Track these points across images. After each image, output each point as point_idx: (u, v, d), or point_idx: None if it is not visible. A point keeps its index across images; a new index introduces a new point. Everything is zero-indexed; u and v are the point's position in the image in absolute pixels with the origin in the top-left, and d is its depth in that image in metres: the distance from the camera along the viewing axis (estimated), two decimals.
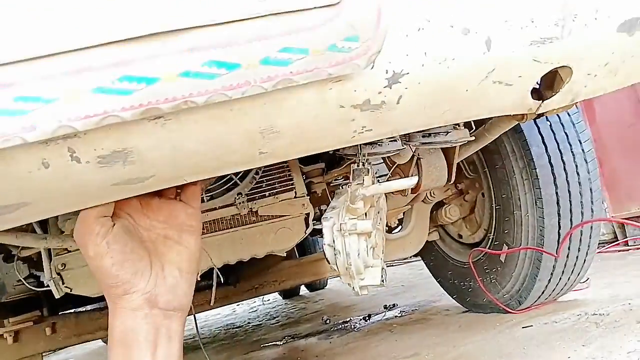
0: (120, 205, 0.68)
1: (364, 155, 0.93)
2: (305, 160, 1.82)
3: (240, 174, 1.59)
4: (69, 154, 0.54)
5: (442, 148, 1.39)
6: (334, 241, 0.83)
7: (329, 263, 0.86)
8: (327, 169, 1.82)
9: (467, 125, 1.06)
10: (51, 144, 0.53)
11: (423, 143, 1.01)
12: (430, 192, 2.08)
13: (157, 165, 0.61)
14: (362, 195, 0.79)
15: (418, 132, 1.03)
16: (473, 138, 1.06)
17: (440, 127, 1.03)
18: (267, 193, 1.63)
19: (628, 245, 3.19)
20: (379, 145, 0.95)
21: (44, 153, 0.53)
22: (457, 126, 1.02)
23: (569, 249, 1.73)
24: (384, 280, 0.87)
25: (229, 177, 1.58)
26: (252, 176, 1.60)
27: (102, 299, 2.18)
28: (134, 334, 0.62)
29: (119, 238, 0.64)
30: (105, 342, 5.24)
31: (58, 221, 1.34)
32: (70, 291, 1.46)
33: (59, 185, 0.58)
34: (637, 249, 3.05)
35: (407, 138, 1.02)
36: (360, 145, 0.95)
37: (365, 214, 0.84)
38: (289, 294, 5.60)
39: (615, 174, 3.29)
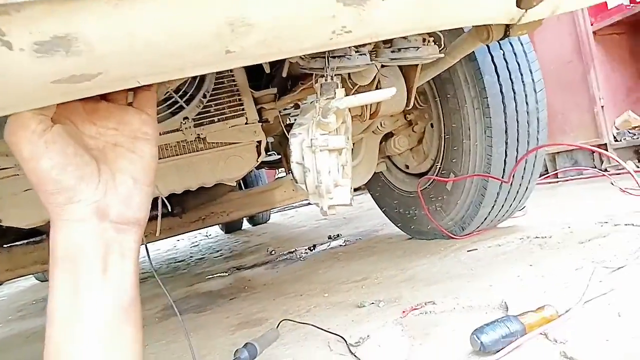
0: (61, 111, 0.58)
1: (332, 69, 0.86)
2: (256, 85, 1.72)
3: (186, 97, 1.48)
4: None
5: (402, 71, 1.35)
6: (303, 158, 0.77)
7: (297, 182, 0.81)
8: (279, 95, 1.73)
9: (435, 42, 1.01)
10: None
11: (392, 59, 0.95)
12: (380, 123, 2.05)
13: (107, 58, 0.52)
14: (336, 108, 0.73)
15: (387, 47, 0.97)
16: (442, 55, 1.02)
17: (409, 42, 0.97)
18: (215, 118, 1.54)
19: (557, 178, 3.38)
20: (347, 58, 0.89)
21: None
22: (427, 42, 0.97)
23: (513, 176, 1.79)
24: (352, 200, 0.83)
25: (173, 99, 1.46)
26: (199, 99, 1.49)
27: (34, 232, 2.04)
28: (81, 249, 0.53)
29: (59, 138, 0.53)
30: (40, 279, 5.07)
31: None
32: (0, 222, 1.33)
33: None
34: (566, 180, 3.24)
35: (375, 54, 0.96)
36: (328, 58, 0.88)
37: (336, 130, 0.79)
38: (232, 228, 5.58)
39: (550, 109, 3.41)
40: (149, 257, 0.88)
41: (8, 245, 1.89)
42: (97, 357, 0.51)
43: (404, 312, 1.25)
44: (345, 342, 1.12)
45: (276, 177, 6.40)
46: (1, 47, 0.45)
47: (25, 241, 2.04)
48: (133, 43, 0.52)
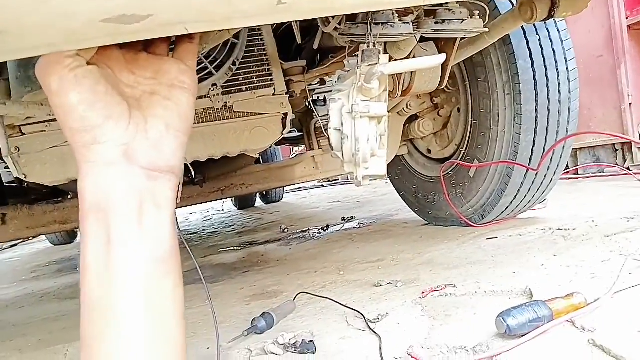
0: (101, 57, 0.55)
1: (374, 36, 0.84)
2: (285, 57, 1.70)
3: (216, 63, 1.46)
4: None
5: (438, 48, 1.31)
6: (342, 124, 0.75)
7: (333, 149, 0.79)
8: (308, 68, 1.71)
9: (480, 16, 0.98)
10: None
11: (435, 30, 0.93)
12: (407, 104, 2.02)
13: (159, 0, 0.50)
14: (380, 73, 0.71)
15: (430, 18, 0.94)
16: (487, 30, 0.99)
17: (454, 14, 0.94)
18: (244, 87, 1.52)
19: (578, 174, 3.33)
20: (390, 26, 0.86)
21: None
22: (472, 15, 0.94)
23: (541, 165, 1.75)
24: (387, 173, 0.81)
25: (203, 65, 1.45)
26: (228, 66, 1.47)
27: (54, 193, 2.05)
28: (111, 197, 0.49)
29: (90, 75, 0.50)
30: (54, 242, 5.14)
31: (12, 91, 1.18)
32: (25, 178, 1.33)
33: (31, 13, 0.46)
34: (587, 177, 3.19)
35: (417, 24, 0.93)
36: (370, 24, 0.85)
37: (377, 98, 0.76)
38: (244, 204, 5.60)
39: None
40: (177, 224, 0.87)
41: (29, 204, 1.91)
42: (138, 312, 0.49)
43: (423, 292, 1.23)
44: (364, 317, 1.11)
45: (291, 154, 6.40)
46: None
47: (45, 201, 2.05)
48: None
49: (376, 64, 0.77)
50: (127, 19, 0.51)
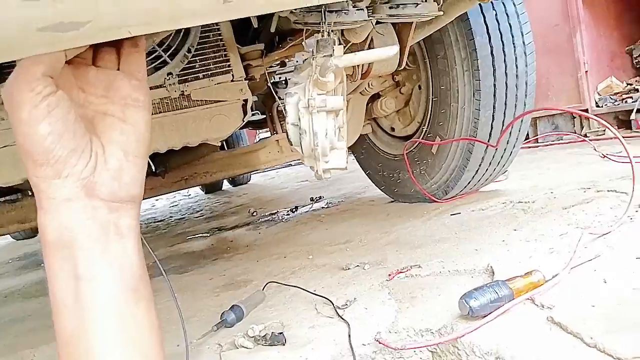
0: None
1: (329, 24, 0.82)
2: (242, 41, 1.66)
3: (170, 51, 1.41)
4: None
5: (396, 30, 1.30)
6: (299, 119, 0.74)
7: (292, 144, 0.78)
8: (266, 52, 1.67)
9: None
10: None
11: (390, 15, 0.91)
12: (368, 84, 2.02)
13: (98, 5, 0.47)
14: (335, 67, 0.69)
15: (385, 2, 0.93)
16: (442, 13, 0.98)
17: None
18: (200, 75, 1.48)
19: (537, 142, 3.42)
20: (344, 13, 0.84)
21: None
22: None
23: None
24: (347, 164, 0.81)
25: (157, 53, 1.40)
26: (183, 54, 1.43)
27: (10, 190, 1.97)
28: (72, 232, 0.49)
29: (62, 102, 0.48)
30: (17, 238, 4.97)
31: None
32: None
33: None
34: (547, 145, 3.28)
35: (372, 9, 0.92)
36: (324, 12, 0.83)
37: (334, 90, 0.75)
38: (212, 188, 5.54)
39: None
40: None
41: None
42: (113, 343, 0.49)
43: (390, 275, 1.25)
44: (332, 304, 1.13)
45: (257, 137, 6.33)
46: None
47: (1, 199, 1.97)
48: None
49: (331, 55, 0.75)
50: (65, 26, 0.48)
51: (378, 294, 1.15)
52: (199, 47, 1.47)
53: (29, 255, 3.91)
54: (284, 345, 0.97)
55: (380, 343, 0.90)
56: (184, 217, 4.02)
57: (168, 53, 1.42)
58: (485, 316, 0.88)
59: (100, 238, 0.50)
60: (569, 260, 0.99)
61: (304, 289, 1.25)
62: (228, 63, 1.51)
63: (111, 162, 0.53)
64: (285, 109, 0.76)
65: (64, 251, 0.49)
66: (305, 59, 0.87)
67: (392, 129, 2.26)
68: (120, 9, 0.49)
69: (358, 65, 1.28)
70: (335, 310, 1.09)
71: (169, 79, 1.43)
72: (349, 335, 0.95)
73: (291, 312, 1.15)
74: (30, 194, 1.98)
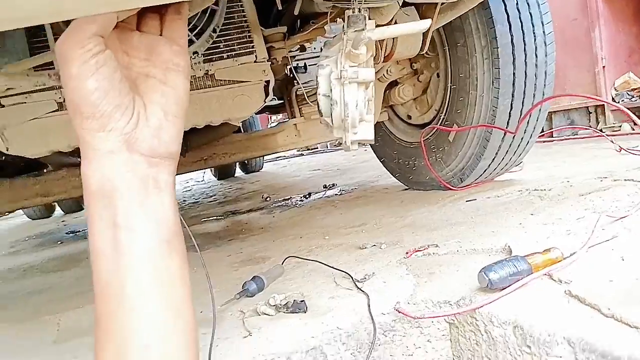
0: None
1: (359, 2, 0.84)
2: (265, 23, 1.68)
3: (196, 30, 1.44)
4: None
5: (419, 13, 1.32)
6: (331, 90, 0.77)
7: (322, 115, 0.81)
8: (288, 35, 1.70)
9: None
10: None
11: None
12: (387, 70, 2.03)
13: None
14: (368, 39, 0.72)
15: None
16: None
17: None
18: (225, 55, 1.51)
19: (553, 137, 3.41)
20: None
21: None
22: None
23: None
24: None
25: None
26: (209, 34, 1.46)
27: (35, 163, 2.02)
28: (114, 182, 0.52)
29: (110, 61, 0.51)
30: (31, 217, 5.06)
31: None
32: (7, 151, 1.31)
33: None
34: (562, 139, 3.27)
35: None
36: None
37: (365, 63, 0.78)
38: (224, 174, 5.59)
39: None
40: None
41: (9, 177, 1.88)
42: (147, 290, 0.52)
43: (407, 253, 1.28)
44: (351, 277, 1.16)
45: (269, 122, 6.35)
46: None
47: (26, 174, 2.02)
48: None
49: (363, 29, 0.78)
50: None
51: (396, 269, 1.18)
52: (223, 27, 1.50)
53: (45, 234, 3.99)
54: (305, 313, 1.01)
55: (399, 312, 0.93)
56: (197, 201, 4.07)
57: (194, 32, 1.45)
58: (503, 289, 0.90)
59: (140, 190, 0.53)
60: (586, 240, 1.01)
61: (323, 263, 1.28)
62: (252, 44, 1.53)
63: (152, 121, 0.56)
64: (317, 81, 0.79)
65: (104, 200, 0.52)
66: (334, 36, 0.89)
67: (409, 117, 2.28)
68: None
69: (382, 47, 1.30)
70: (354, 283, 1.12)
71: (194, 58, 1.46)
72: (369, 305, 0.98)
73: (310, 285, 1.18)
74: (51, 169, 2.03)
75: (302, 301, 1.03)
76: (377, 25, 1.18)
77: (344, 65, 0.75)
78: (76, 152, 1.52)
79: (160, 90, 0.59)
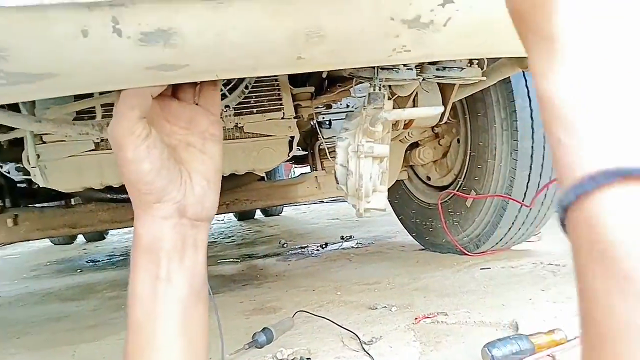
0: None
1: (380, 80, 0.91)
2: (293, 82, 1.78)
3: (230, 86, 1.53)
4: (112, 24, 0.50)
5: (440, 87, 1.39)
6: (347, 162, 0.82)
7: (338, 182, 0.86)
8: (315, 94, 1.79)
9: (479, 65, 1.06)
10: (96, 9, 0.48)
11: (436, 76, 1.00)
12: (408, 132, 2.10)
13: (195, 53, 0.58)
14: (384, 119, 0.78)
15: (432, 64, 1.02)
16: (485, 78, 1.06)
17: (454, 62, 1.02)
18: (255, 110, 1.59)
19: None
20: (395, 71, 0.93)
21: (87, 19, 0.48)
22: (471, 64, 1.02)
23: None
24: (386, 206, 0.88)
25: None
26: (241, 90, 1.55)
27: (62, 194, 2.12)
28: (162, 242, 0.60)
29: (157, 143, 0.59)
30: (54, 242, 5.18)
31: (35, 108, 1.26)
32: (44, 184, 1.40)
33: (91, 59, 0.53)
34: None
35: (420, 69, 1.01)
36: (377, 69, 0.92)
37: (381, 139, 0.83)
38: (245, 216, 5.66)
39: None
40: None
41: (40, 205, 1.98)
42: (175, 336, 0.58)
43: (416, 318, 1.29)
44: (359, 339, 1.17)
45: (292, 170, 6.45)
46: (112, 34, 0.50)
47: (56, 203, 2.11)
48: (220, 42, 0.57)
49: (381, 108, 0.84)
50: (167, 67, 0.59)
51: (403, 334, 1.20)
52: (255, 84, 1.59)
53: (66, 260, 4.07)
54: None
55: None
56: (215, 241, 4.13)
57: (228, 87, 1.54)
58: None
59: (182, 249, 0.61)
60: None
61: (332, 321, 1.30)
62: (280, 102, 1.62)
63: (197, 189, 0.64)
64: (336, 151, 0.84)
65: (151, 256, 0.59)
66: (357, 107, 0.96)
67: (428, 178, 2.32)
68: (212, 58, 0.59)
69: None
70: (361, 345, 1.13)
71: (226, 111, 1.55)
72: None
73: (318, 342, 1.20)
74: (80, 201, 2.12)
75: (308, 358, 1.05)
76: (398, 97, 1.25)
77: (361, 140, 0.81)
78: (105, 188, 1.60)
79: (200, 159, 0.66)
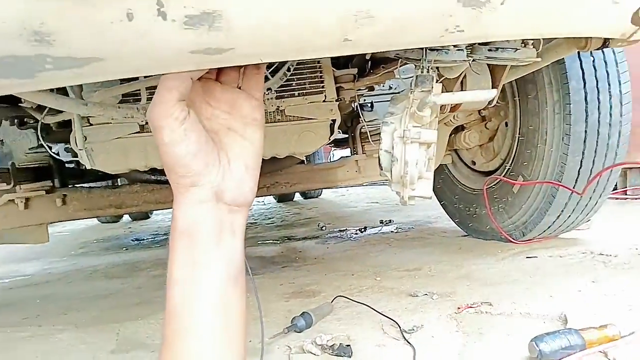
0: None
1: (428, 61, 0.87)
2: (336, 64, 1.75)
3: (272, 69, 1.52)
4: (157, 7, 0.49)
5: (490, 68, 1.33)
6: (392, 147, 0.80)
7: (382, 169, 0.84)
8: (358, 76, 1.75)
9: (533, 45, 1.00)
10: None
11: (488, 57, 0.95)
12: (454, 115, 2.03)
13: (240, 37, 0.56)
14: (433, 103, 0.74)
15: (484, 44, 0.97)
16: (539, 59, 1.00)
17: (507, 42, 0.97)
18: (296, 92, 1.58)
19: (626, 195, 3.23)
20: (444, 52, 0.89)
21: (132, 2, 0.47)
22: (526, 44, 0.96)
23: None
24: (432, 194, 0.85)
25: None
26: (283, 72, 1.53)
27: (108, 175, 2.18)
28: (199, 225, 0.60)
29: (195, 126, 0.58)
30: (102, 221, 5.39)
31: (82, 91, 1.28)
32: (91, 166, 1.44)
33: (136, 43, 0.53)
34: (635, 198, 3.10)
35: (471, 50, 0.96)
36: (425, 50, 0.88)
37: (428, 124, 0.80)
38: (284, 198, 5.71)
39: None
40: None
41: (87, 185, 2.05)
42: (213, 319, 0.58)
43: (459, 308, 1.26)
44: (399, 327, 1.16)
45: (331, 153, 6.43)
46: (157, 17, 0.49)
47: (103, 183, 2.17)
48: (265, 24, 0.55)
49: (429, 91, 0.80)
50: (212, 51, 0.58)
51: (446, 324, 1.17)
52: (297, 67, 1.57)
53: (112, 238, 4.23)
54: (349, 357, 1.02)
55: None
56: (256, 222, 4.18)
57: (270, 70, 1.53)
58: None
59: (219, 234, 0.60)
60: None
61: (372, 308, 1.29)
62: (322, 84, 1.60)
63: (235, 174, 0.62)
64: (380, 136, 0.82)
65: (188, 239, 0.59)
66: (402, 90, 0.92)
67: (473, 163, 2.25)
68: (258, 41, 0.57)
69: None
70: (402, 333, 1.12)
71: (268, 94, 1.54)
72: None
73: (358, 328, 1.19)
74: (126, 182, 2.18)
75: (347, 345, 1.04)
76: (445, 79, 1.20)
77: (408, 125, 0.78)
78: (150, 170, 1.63)
79: (240, 144, 0.64)
